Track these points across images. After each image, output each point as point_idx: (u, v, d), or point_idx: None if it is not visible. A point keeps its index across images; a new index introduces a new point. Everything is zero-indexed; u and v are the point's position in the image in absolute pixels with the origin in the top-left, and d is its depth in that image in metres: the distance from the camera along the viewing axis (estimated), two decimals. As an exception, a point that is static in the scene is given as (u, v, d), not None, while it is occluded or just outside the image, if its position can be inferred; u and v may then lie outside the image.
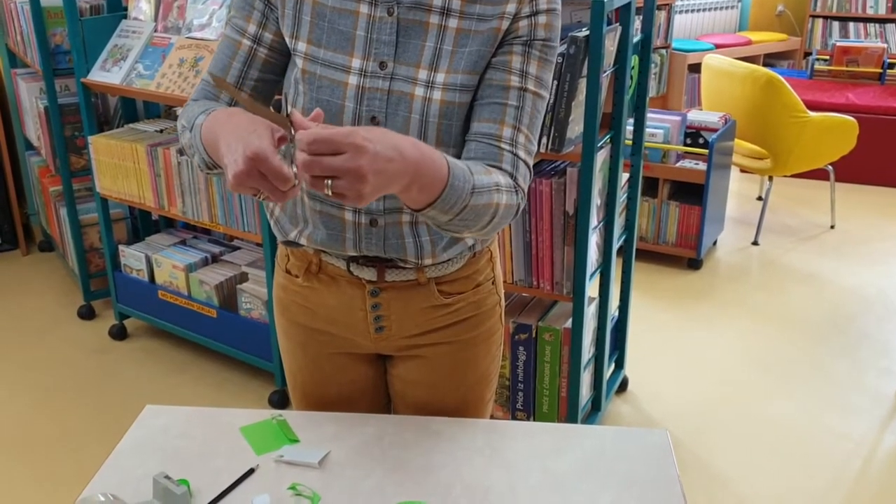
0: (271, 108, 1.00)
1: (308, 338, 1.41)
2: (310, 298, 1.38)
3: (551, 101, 2.11)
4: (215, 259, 3.05)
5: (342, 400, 1.46)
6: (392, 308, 1.34)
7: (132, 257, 3.10)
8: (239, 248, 3.12)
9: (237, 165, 0.95)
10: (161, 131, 2.99)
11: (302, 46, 1.20)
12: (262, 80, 1.26)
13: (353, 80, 1.18)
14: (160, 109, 3.36)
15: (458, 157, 1.21)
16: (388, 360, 1.46)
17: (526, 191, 1.22)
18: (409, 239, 1.27)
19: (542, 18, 1.19)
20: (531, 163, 1.23)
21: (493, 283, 1.41)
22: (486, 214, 1.13)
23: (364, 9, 1.18)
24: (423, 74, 1.18)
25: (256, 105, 0.98)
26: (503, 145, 1.19)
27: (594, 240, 2.35)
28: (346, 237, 1.27)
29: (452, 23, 1.18)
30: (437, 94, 1.18)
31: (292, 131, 0.97)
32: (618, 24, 2.29)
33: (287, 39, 1.22)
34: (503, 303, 1.45)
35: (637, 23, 2.61)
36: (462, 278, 1.36)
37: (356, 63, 1.18)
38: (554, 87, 2.10)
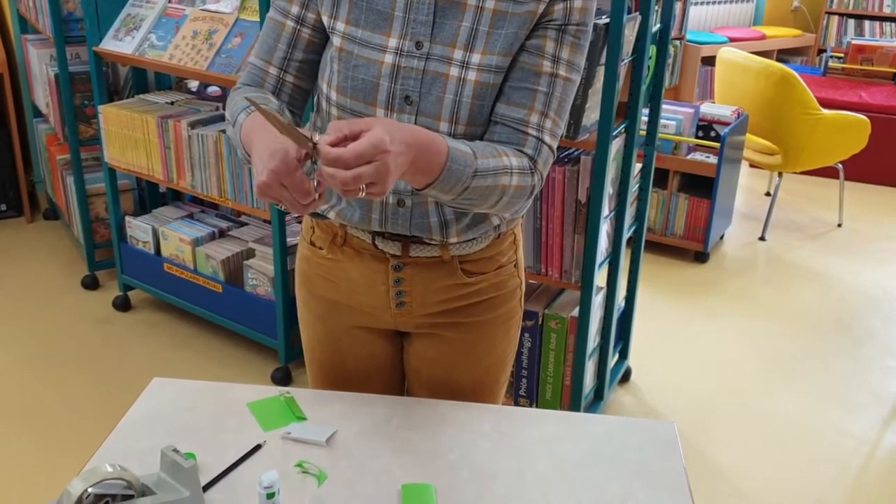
0: (300, 131, 1.04)
1: (328, 310, 1.42)
2: (332, 271, 1.39)
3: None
4: (222, 234, 3.04)
5: (358, 374, 1.47)
6: (414, 284, 1.35)
7: (138, 229, 3.10)
8: (246, 223, 3.10)
9: (261, 176, 1.02)
10: (172, 103, 2.98)
11: (340, 26, 1.22)
12: (306, 60, 1.28)
13: (388, 58, 1.19)
14: (171, 81, 3.34)
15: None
16: (406, 338, 1.47)
17: (545, 173, 1.24)
18: (434, 217, 1.28)
19: (577, 2, 1.18)
20: (555, 145, 1.25)
21: (515, 266, 1.42)
22: (493, 195, 1.16)
23: None
24: (458, 55, 1.19)
25: (285, 125, 1.00)
26: (530, 130, 1.21)
27: (605, 229, 2.34)
28: (372, 217, 1.29)
29: (489, 4, 1.18)
30: (471, 75, 1.19)
31: (314, 151, 1.01)
32: (637, 13, 2.27)
33: (325, 19, 1.23)
34: (524, 287, 1.46)
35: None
36: (485, 258, 1.36)
37: (393, 42, 1.19)
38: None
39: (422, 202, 1.27)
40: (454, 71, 1.19)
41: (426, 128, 1.20)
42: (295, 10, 1.25)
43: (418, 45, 1.19)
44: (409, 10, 1.18)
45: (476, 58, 1.18)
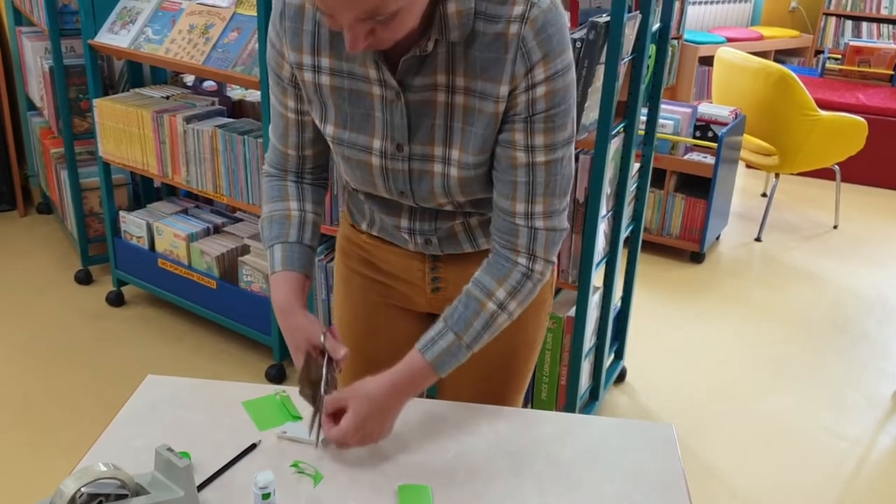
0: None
1: (366, 287, 1.48)
2: (372, 252, 1.44)
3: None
4: (217, 230, 3.03)
5: (390, 353, 1.47)
6: (450, 271, 1.40)
7: (133, 224, 3.08)
8: (241, 219, 3.09)
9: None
10: (167, 98, 2.96)
11: (330, 129, 1.25)
12: (319, 135, 1.33)
13: (375, 160, 1.23)
14: (167, 75, 3.32)
15: (489, 198, 1.26)
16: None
17: (552, 255, 1.25)
18: (466, 242, 1.37)
19: (540, 90, 1.13)
20: (556, 223, 1.23)
21: None
22: (497, 332, 1.25)
23: (376, 90, 1.18)
24: (438, 151, 1.20)
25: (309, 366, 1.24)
26: (518, 221, 1.22)
27: (602, 229, 2.33)
28: (405, 239, 1.38)
29: (458, 100, 1.16)
30: (453, 171, 1.21)
31: (326, 363, 1.22)
32: (637, 11, 2.26)
33: (316, 122, 1.27)
34: (556, 273, 1.50)
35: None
36: None
37: (377, 144, 1.22)
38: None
39: (449, 235, 1.34)
40: (437, 167, 1.21)
41: (425, 207, 1.27)
42: (291, 103, 1.29)
43: (399, 147, 1.21)
44: (385, 111, 1.19)
45: (456, 154, 1.19)
